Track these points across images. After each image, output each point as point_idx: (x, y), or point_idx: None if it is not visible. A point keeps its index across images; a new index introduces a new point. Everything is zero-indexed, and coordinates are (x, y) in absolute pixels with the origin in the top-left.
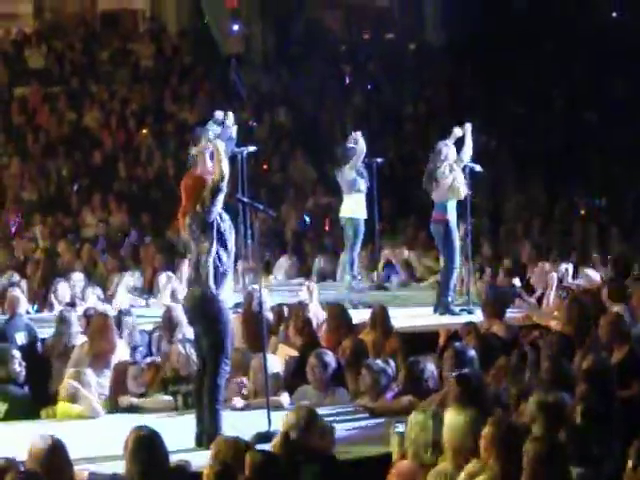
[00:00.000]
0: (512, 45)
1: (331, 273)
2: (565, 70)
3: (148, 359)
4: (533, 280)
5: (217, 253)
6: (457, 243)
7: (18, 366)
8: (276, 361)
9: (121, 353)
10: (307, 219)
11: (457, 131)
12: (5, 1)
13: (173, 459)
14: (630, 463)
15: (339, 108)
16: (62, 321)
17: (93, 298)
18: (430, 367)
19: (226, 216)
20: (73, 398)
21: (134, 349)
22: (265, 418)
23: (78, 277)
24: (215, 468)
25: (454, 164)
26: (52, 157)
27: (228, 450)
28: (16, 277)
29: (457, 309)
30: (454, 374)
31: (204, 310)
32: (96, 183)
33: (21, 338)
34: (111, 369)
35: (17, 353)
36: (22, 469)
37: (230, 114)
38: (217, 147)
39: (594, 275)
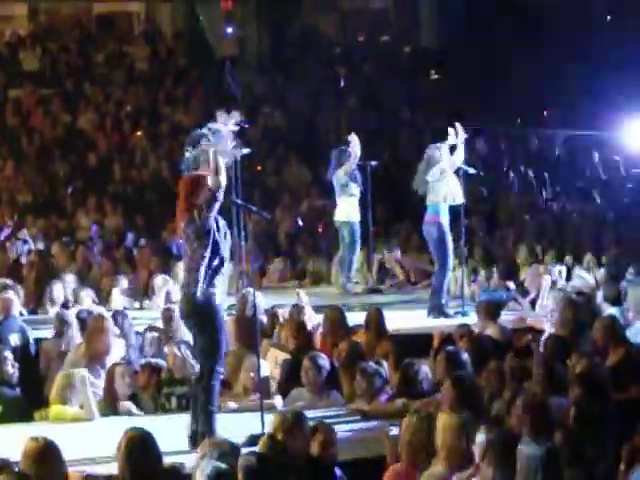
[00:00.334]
0: (508, 47)
1: (325, 276)
2: (561, 71)
3: (142, 360)
4: (527, 282)
5: (210, 259)
6: (450, 245)
7: (11, 368)
8: (265, 365)
9: (117, 355)
10: (300, 222)
11: (451, 133)
12: None
13: (166, 461)
14: (622, 466)
15: (334, 110)
16: (61, 322)
17: (87, 300)
18: (424, 369)
19: (222, 222)
20: (66, 400)
21: (129, 350)
22: (258, 420)
23: (70, 278)
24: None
25: (447, 167)
26: (46, 159)
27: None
28: (9, 280)
29: (451, 311)
30: (449, 377)
31: (197, 314)
32: (91, 185)
33: (14, 340)
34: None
35: (10, 355)
36: (16, 470)
37: (225, 115)
38: (217, 158)
39: (588, 277)
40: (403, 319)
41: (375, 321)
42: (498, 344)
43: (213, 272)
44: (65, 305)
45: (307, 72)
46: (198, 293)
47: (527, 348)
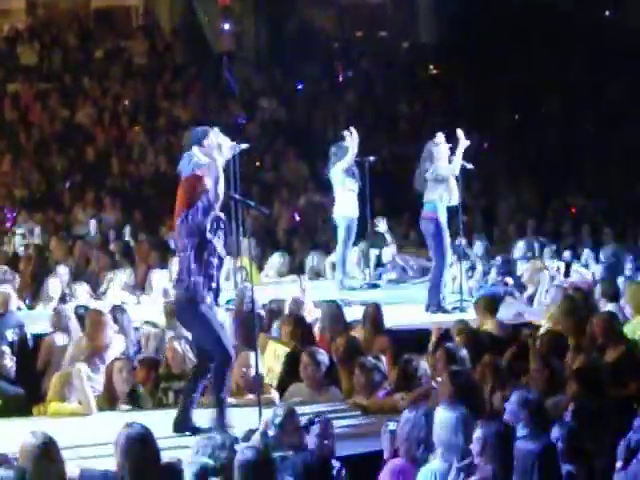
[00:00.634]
0: (506, 43)
1: (324, 271)
2: (560, 69)
3: (141, 356)
4: (525, 278)
5: (201, 259)
6: (448, 241)
7: (9, 361)
8: (260, 360)
9: (117, 349)
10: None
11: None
12: None
13: (164, 456)
14: (619, 463)
15: (332, 106)
16: (59, 318)
17: (84, 295)
18: (423, 365)
19: (220, 225)
20: (64, 398)
21: (127, 346)
22: (256, 415)
23: (63, 270)
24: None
25: (443, 171)
26: (44, 154)
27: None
28: (8, 273)
29: (449, 307)
30: (447, 372)
31: (187, 314)
32: (89, 180)
33: (12, 335)
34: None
35: (7, 349)
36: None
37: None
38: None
39: (586, 273)
40: (401, 314)
41: (373, 317)
42: (496, 339)
43: (205, 272)
44: (63, 299)
45: (305, 67)
46: (185, 294)
47: (525, 343)
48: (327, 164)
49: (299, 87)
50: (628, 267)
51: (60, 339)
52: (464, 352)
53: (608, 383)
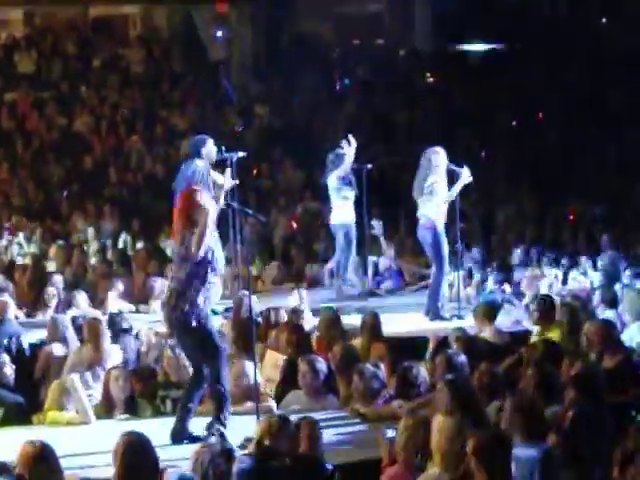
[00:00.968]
0: (503, 51)
1: (323, 279)
2: (558, 75)
3: (139, 364)
4: (523, 286)
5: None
6: (446, 248)
7: (9, 369)
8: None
9: (115, 358)
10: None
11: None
12: None
13: (162, 464)
14: (615, 470)
15: (329, 113)
16: (55, 327)
17: (84, 304)
18: (423, 373)
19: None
20: (62, 407)
21: (126, 354)
22: (254, 423)
23: (58, 279)
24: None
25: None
26: (42, 162)
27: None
28: (4, 283)
29: (447, 314)
30: (444, 379)
31: (183, 337)
32: (86, 188)
33: (10, 343)
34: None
35: (7, 357)
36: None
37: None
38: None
39: (583, 281)
40: (399, 322)
41: (371, 325)
42: (494, 347)
43: (196, 292)
44: (59, 308)
45: (303, 75)
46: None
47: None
48: (324, 172)
49: (296, 98)
50: (626, 274)
51: (58, 348)
52: (463, 358)
53: (606, 390)
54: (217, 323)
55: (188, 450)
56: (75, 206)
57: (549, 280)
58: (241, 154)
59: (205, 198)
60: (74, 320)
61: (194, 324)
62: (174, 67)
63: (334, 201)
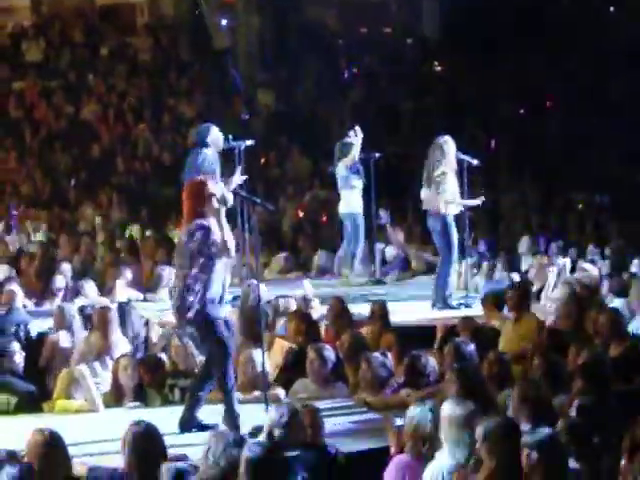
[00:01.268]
0: (509, 39)
1: (331, 268)
2: (563, 64)
3: (148, 353)
4: (531, 274)
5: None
6: (455, 237)
7: (19, 357)
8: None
9: (124, 346)
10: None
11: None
12: None
13: (171, 452)
14: (624, 459)
15: (336, 102)
16: (62, 316)
17: (92, 292)
18: (432, 362)
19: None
20: (70, 397)
21: (134, 343)
22: (263, 412)
23: (67, 267)
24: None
25: (448, 169)
26: (50, 151)
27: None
28: (12, 271)
29: (455, 303)
30: (453, 368)
31: (190, 322)
32: (94, 177)
33: (18, 332)
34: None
35: (17, 345)
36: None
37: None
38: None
39: (592, 269)
40: (407, 311)
41: (379, 314)
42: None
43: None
44: (67, 296)
45: (309, 64)
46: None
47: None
48: (332, 161)
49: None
50: (635, 262)
51: (64, 337)
52: (472, 347)
53: (613, 378)
54: (225, 311)
55: (196, 438)
56: (83, 194)
57: (557, 268)
58: (249, 142)
59: (214, 188)
60: (82, 309)
61: (201, 315)
62: (181, 55)
63: (342, 190)
